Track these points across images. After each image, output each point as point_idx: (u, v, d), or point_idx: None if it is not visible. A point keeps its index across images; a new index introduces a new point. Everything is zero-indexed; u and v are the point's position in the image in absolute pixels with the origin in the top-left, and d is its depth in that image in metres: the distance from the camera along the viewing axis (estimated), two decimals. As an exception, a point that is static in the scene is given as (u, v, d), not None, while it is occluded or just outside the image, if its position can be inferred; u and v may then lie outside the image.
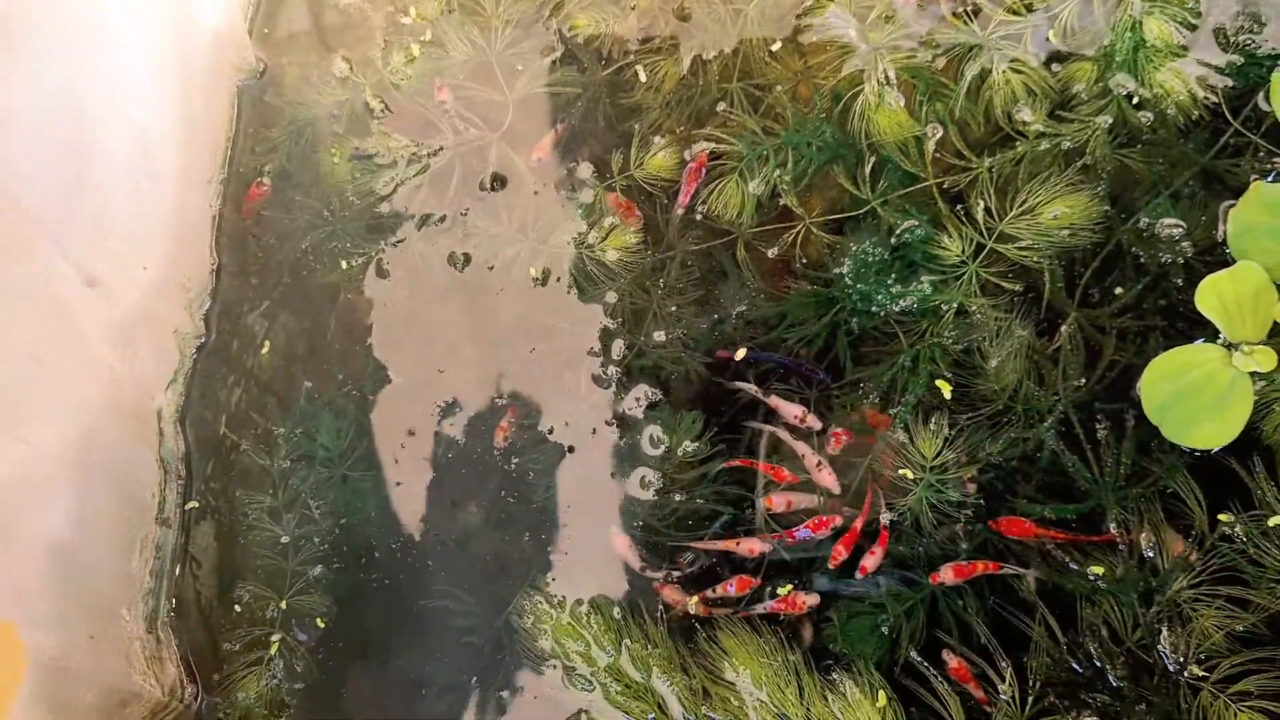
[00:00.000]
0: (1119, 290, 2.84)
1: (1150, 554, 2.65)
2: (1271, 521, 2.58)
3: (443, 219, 3.29)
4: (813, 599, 2.78)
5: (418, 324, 3.23)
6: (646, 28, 3.29)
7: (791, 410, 2.89)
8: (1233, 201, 2.72)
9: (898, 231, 2.96)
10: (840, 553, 2.78)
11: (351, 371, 3.23)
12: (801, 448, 2.88)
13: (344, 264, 3.30)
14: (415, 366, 3.20)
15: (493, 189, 3.26)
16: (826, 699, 2.69)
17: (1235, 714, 2.50)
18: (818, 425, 2.88)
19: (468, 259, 3.24)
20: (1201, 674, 2.54)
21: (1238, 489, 2.63)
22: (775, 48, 3.21)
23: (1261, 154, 2.81)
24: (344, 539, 3.09)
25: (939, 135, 3.00)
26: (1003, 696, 2.63)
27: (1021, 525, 2.72)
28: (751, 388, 2.95)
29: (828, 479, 2.83)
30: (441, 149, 3.33)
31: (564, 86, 3.32)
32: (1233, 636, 2.56)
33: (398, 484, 3.12)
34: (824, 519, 2.81)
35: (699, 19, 3.29)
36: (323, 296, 3.31)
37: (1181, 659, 2.57)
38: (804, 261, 3.04)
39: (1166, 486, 2.69)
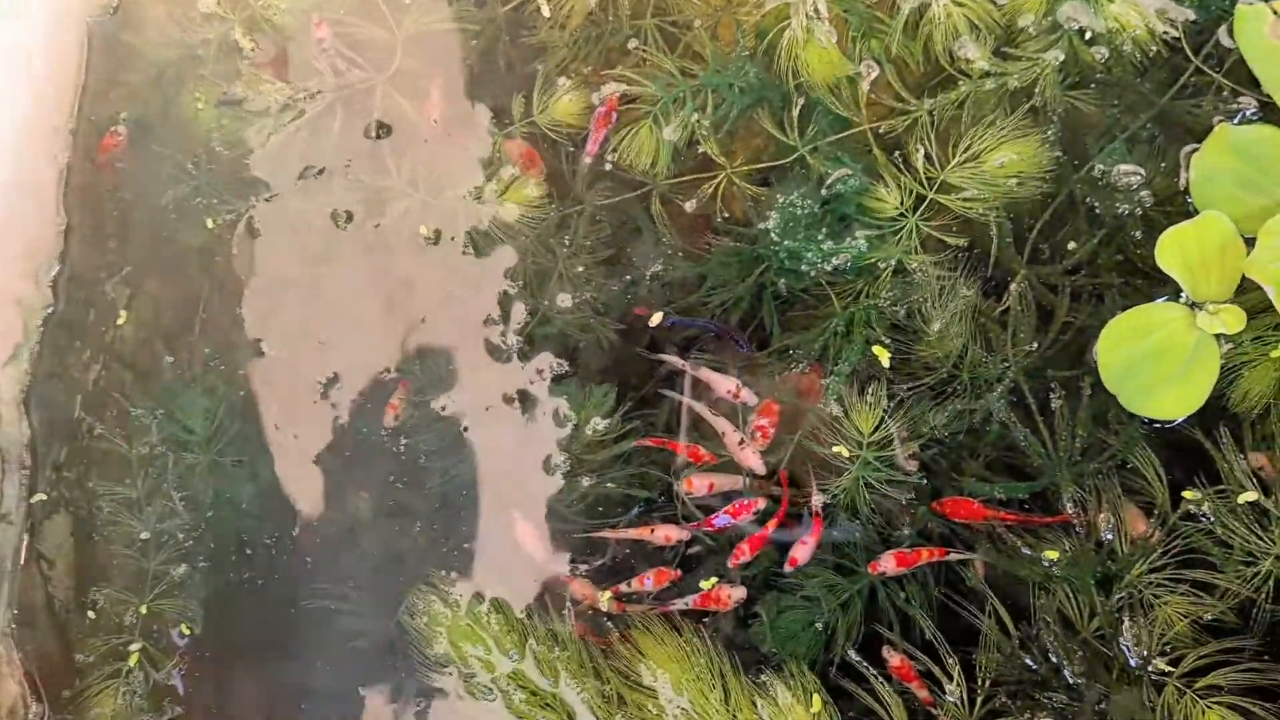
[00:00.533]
0: (1072, 245, 2.58)
1: (1109, 536, 2.40)
2: (1241, 498, 2.35)
3: (322, 172, 2.93)
4: (739, 593, 2.50)
5: (295, 290, 2.90)
6: (550, -44, 2.95)
7: (723, 384, 2.60)
8: (1195, 146, 2.48)
9: (829, 182, 2.67)
10: (742, 552, 2.51)
11: (221, 344, 2.89)
12: (723, 425, 2.59)
13: (210, 223, 2.94)
14: (293, 338, 2.87)
15: (378, 137, 2.91)
16: (755, 704, 2.41)
17: (1203, 711, 2.26)
18: (752, 400, 2.59)
19: (350, 216, 2.89)
20: (1166, 668, 2.30)
21: (1202, 463, 2.41)
22: (694, -19, 2.89)
23: (1225, 94, 2.55)
24: (212, 533, 2.78)
25: (874, 75, 2.70)
26: (949, 697, 2.37)
27: (969, 506, 2.46)
28: (676, 360, 2.65)
29: (752, 459, 2.54)
30: (320, 93, 2.96)
31: (458, 23, 2.96)
32: (1199, 625, 2.34)
33: (274, 470, 2.79)
34: (746, 503, 2.53)
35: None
36: (188, 260, 2.95)
37: (1145, 652, 2.33)
38: (726, 216, 2.74)
39: (1125, 461, 2.45)
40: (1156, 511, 2.40)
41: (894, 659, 2.41)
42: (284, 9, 3.03)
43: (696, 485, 2.55)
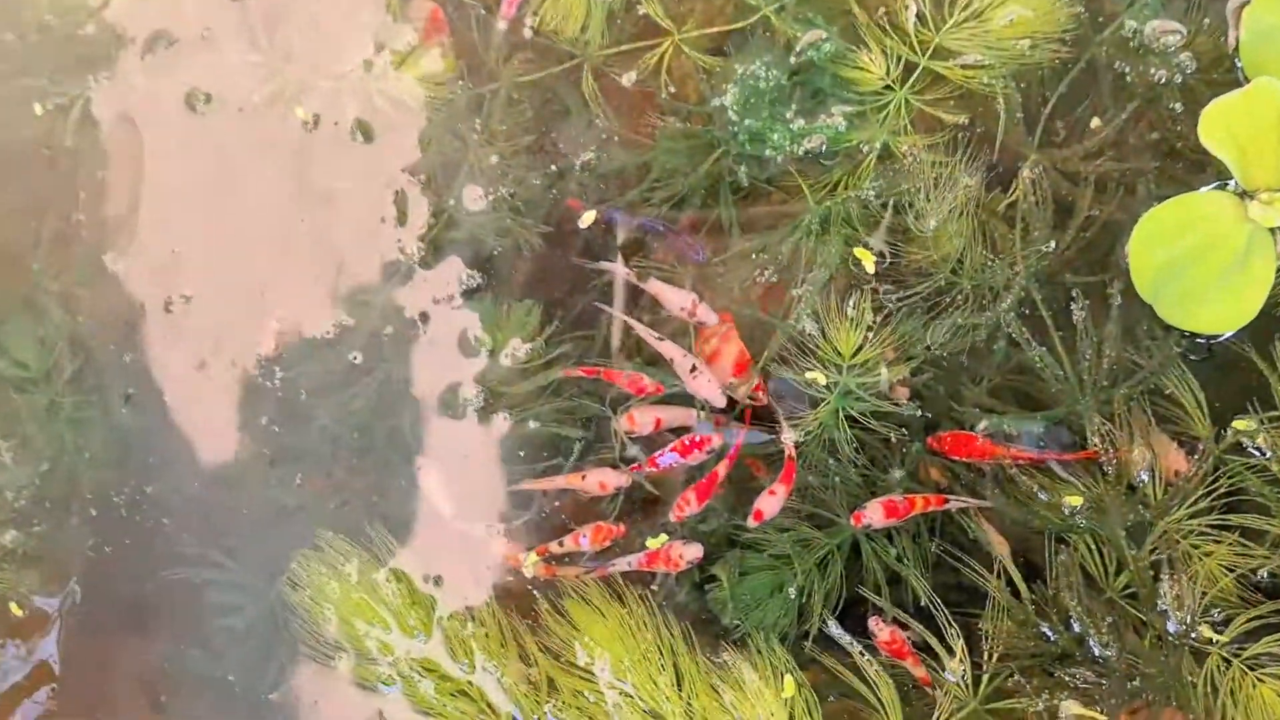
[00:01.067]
0: (1095, 123, 2.15)
1: (1144, 476, 1.98)
2: (1304, 430, 1.93)
3: (175, 43, 2.41)
4: (693, 551, 2.07)
5: (144, 190, 2.41)
6: None
7: (677, 299, 2.15)
8: (1246, -2, 2.09)
9: (799, 48, 2.20)
10: (687, 503, 2.08)
11: (55, 260, 2.41)
12: (671, 349, 2.13)
13: (39, 109, 2.43)
14: (144, 249, 2.39)
15: (244, -1, 2.40)
16: (715, 689, 1.98)
17: (1254, 685, 1.87)
18: (711, 319, 2.14)
19: (209, 98, 2.39)
20: (1210, 635, 1.90)
21: (1253, 386, 2.02)
22: None
23: (1284, -69, 2.08)
24: (49, 491, 2.36)
25: (853, -87, 2.22)
26: (950, 676, 1.95)
27: (972, 443, 2.05)
28: (619, 268, 2.19)
29: (707, 389, 2.09)
30: (169, -56, 2.44)
31: None
32: (1246, 582, 1.97)
33: (125, 413, 2.34)
34: (698, 438, 2.10)
35: None
36: (12, 155, 2.46)
37: (1184, 615, 1.92)
38: (673, 92, 2.26)
39: (1160, 386, 2.04)
40: (1201, 446, 2.00)
41: (883, 632, 2.00)
42: None
43: (640, 421, 2.11)
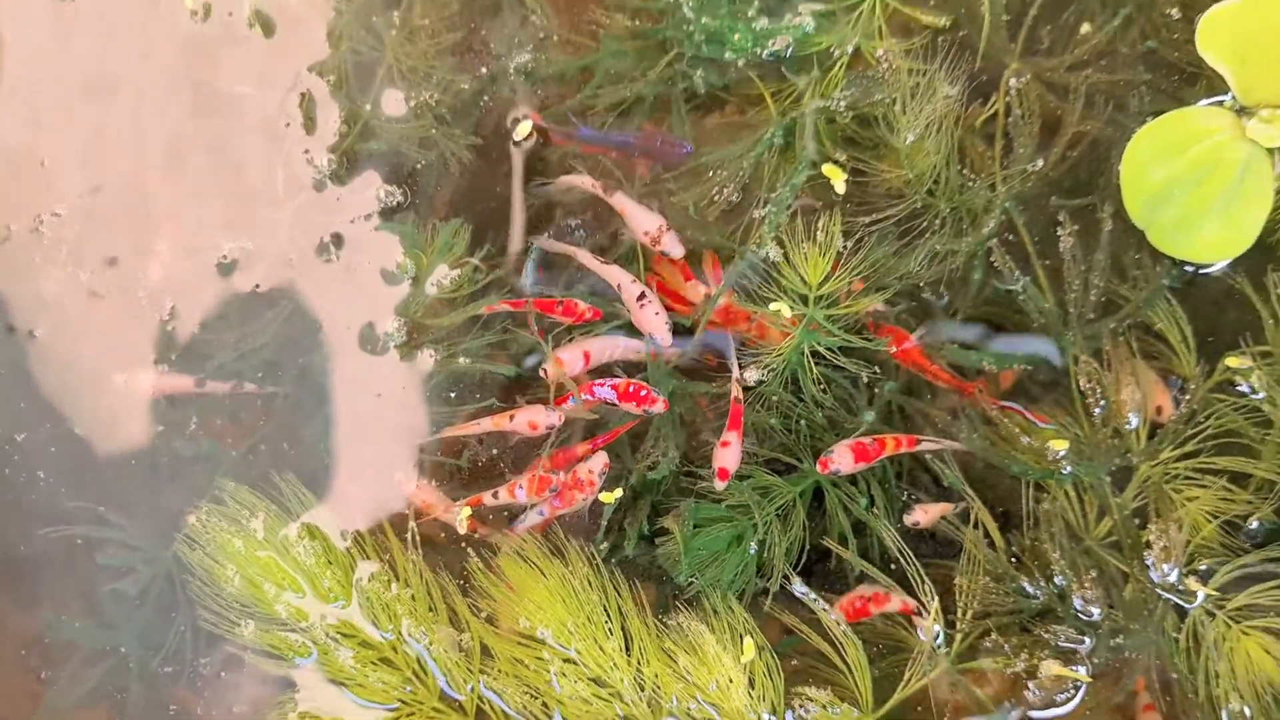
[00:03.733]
0: (1085, 29, 1.95)
1: (1132, 420, 1.82)
2: (1302, 367, 1.79)
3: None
4: (598, 461, 1.87)
5: (10, 92, 2.06)
6: None
7: (645, 221, 1.92)
8: (1250, -114, 1.87)
9: (761, -64, 1.94)
10: (578, 487, 1.87)
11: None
12: (617, 275, 1.90)
13: None
14: (7, 163, 2.04)
15: None
16: (668, 653, 1.79)
17: (1238, 637, 1.75)
18: (677, 250, 1.91)
19: (79, -21, 2.04)
20: (1194, 588, 1.78)
21: (1242, 321, 1.87)
22: None
23: None
24: None
25: None
26: (923, 634, 1.79)
27: (904, 340, 1.89)
28: (585, 180, 1.96)
29: (654, 321, 1.86)
30: None
31: None
32: (1231, 529, 1.83)
33: (-6, 350, 2.02)
34: (642, 391, 1.88)
35: None
36: None
37: (1167, 565, 1.78)
38: (617, -18, 2.00)
39: (1146, 320, 1.88)
40: (1190, 385, 1.85)
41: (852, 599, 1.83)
42: None
43: (568, 361, 1.87)
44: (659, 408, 1.86)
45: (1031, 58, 1.93)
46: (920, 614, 1.81)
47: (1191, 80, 1.90)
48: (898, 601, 1.83)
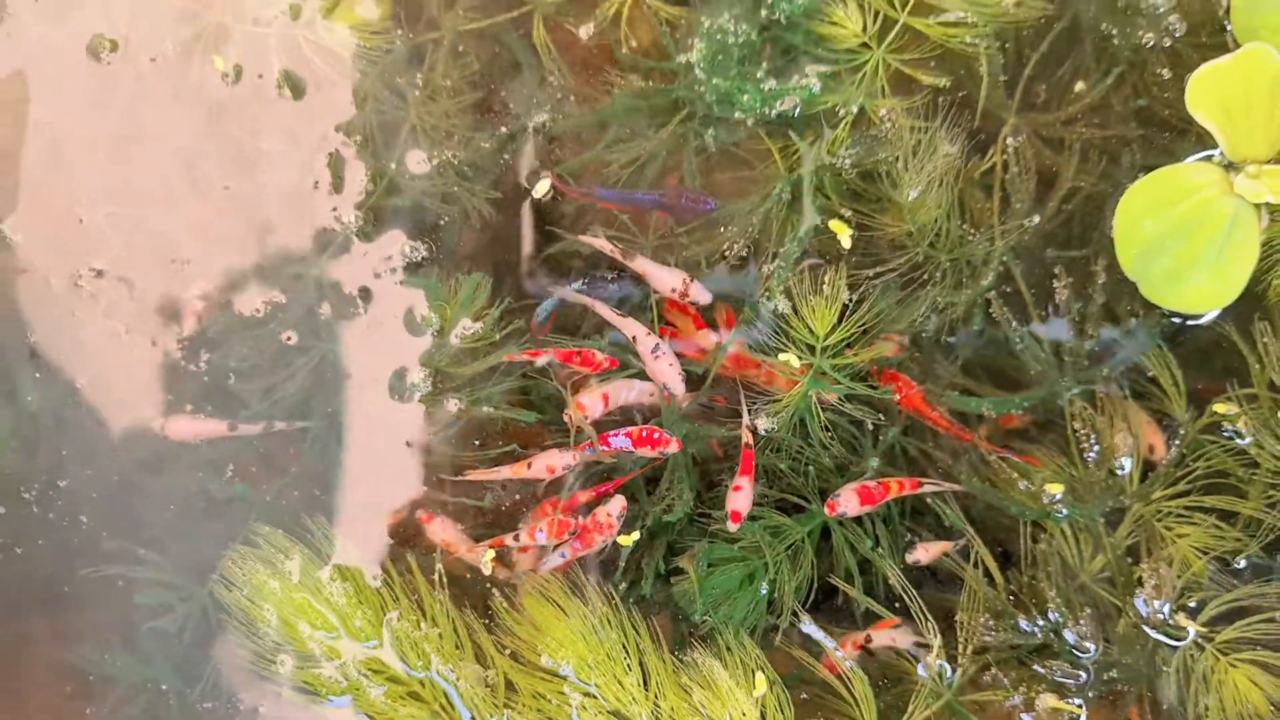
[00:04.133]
0: (1080, 87, 2.02)
1: (1125, 464, 1.91)
2: (1285, 414, 1.88)
3: (74, -19, 2.12)
4: (616, 505, 1.96)
5: (46, 151, 2.12)
6: None
7: (669, 279, 1.98)
8: (1238, -46, 1.93)
9: (770, 2, 2.00)
10: (597, 529, 1.95)
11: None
12: (633, 327, 1.98)
13: None
14: (46, 214, 2.11)
15: (150, -70, 2.11)
16: (684, 688, 1.88)
17: (1226, 669, 1.84)
18: (705, 298, 1.99)
19: (115, 45, 2.10)
20: (1185, 625, 1.87)
21: (1225, 366, 1.95)
22: None
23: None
24: None
25: None
26: (924, 671, 1.88)
27: (910, 389, 1.96)
28: (603, 244, 2.02)
29: (668, 373, 1.95)
30: None
31: None
32: (1221, 565, 1.92)
33: (31, 397, 2.09)
34: (655, 435, 1.95)
35: None
36: None
37: (1159, 600, 1.87)
38: (633, 46, 2.05)
39: (1139, 366, 1.97)
40: (1180, 427, 1.94)
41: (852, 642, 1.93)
42: None
43: (589, 406, 1.95)
44: (673, 448, 1.94)
45: (1028, 113, 2.01)
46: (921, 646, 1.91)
47: (1182, 135, 1.97)
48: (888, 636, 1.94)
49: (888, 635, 1.93)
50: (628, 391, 2.00)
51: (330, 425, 2.05)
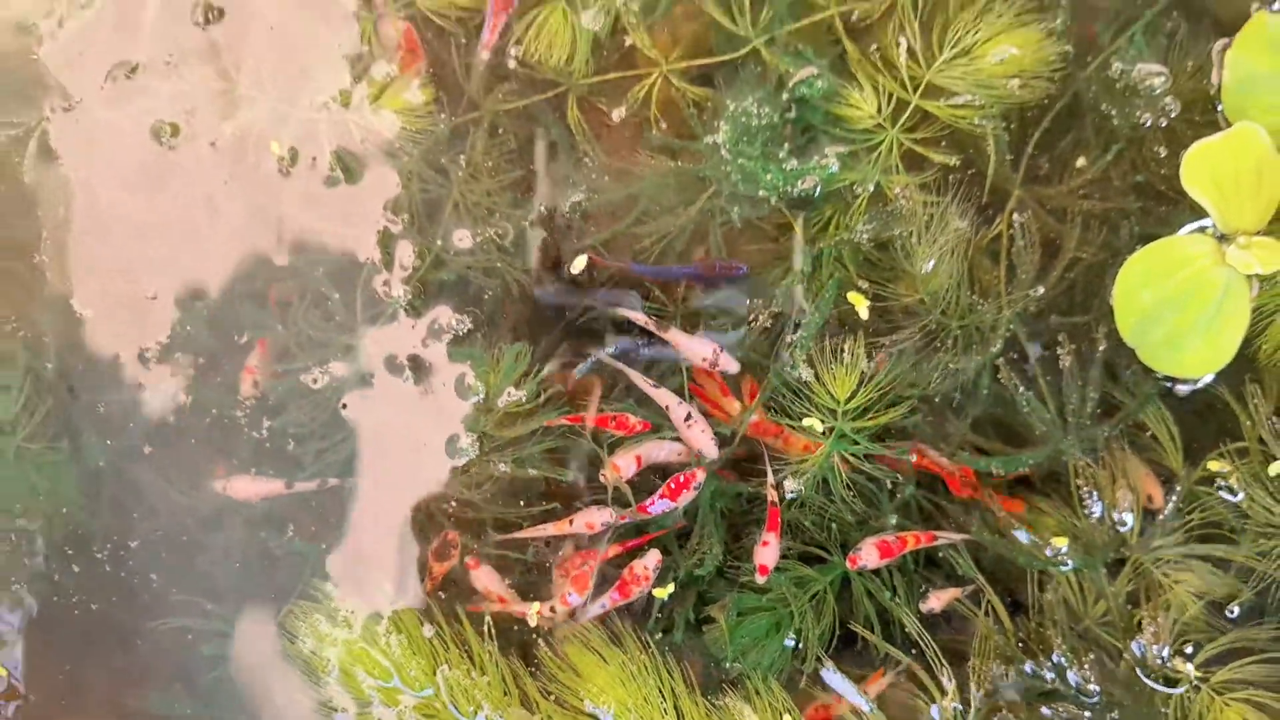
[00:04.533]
0: (1081, 162, 2.13)
1: (1127, 517, 2.04)
2: (1273, 469, 1.99)
3: (135, 70, 2.24)
4: (653, 559, 2.11)
5: (112, 228, 2.25)
6: None
7: (699, 349, 2.12)
8: (1228, 41, 2.04)
9: (791, 84, 2.12)
10: (634, 582, 2.10)
11: (17, 301, 2.25)
12: (666, 398, 2.12)
13: None
14: (113, 290, 2.24)
15: (208, 21, 2.23)
16: (716, 730, 2.02)
17: (1220, 709, 1.97)
18: (734, 367, 2.12)
19: (176, 130, 2.23)
20: (1181, 669, 2.00)
21: (1219, 425, 2.07)
22: None
23: (1269, -28, 2.09)
24: (24, 545, 2.23)
25: (840, -58, 2.15)
26: (937, 715, 2.02)
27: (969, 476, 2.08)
28: (640, 316, 2.15)
29: (702, 440, 2.09)
30: (126, -41, 2.26)
31: None
32: (1216, 610, 2.05)
33: (103, 460, 2.23)
34: (685, 476, 2.10)
35: None
36: None
37: (1157, 644, 2.00)
38: (663, 128, 2.18)
39: (1138, 424, 2.09)
40: (1177, 481, 2.07)
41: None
42: None
43: (623, 467, 2.09)
44: (701, 476, 2.09)
45: (1033, 185, 2.13)
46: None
47: (1178, 205, 2.06)
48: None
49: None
50: (659, 451, 2.13)
51: (379, 484, 2.18)
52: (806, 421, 2.06)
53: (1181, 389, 2.08)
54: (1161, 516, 2.07)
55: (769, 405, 2.12)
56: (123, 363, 2.22)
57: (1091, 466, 2.07)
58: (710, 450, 2.09)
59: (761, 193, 2.12)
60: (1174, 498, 2.07)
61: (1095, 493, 2.06)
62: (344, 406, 2.17)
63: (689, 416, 2.09)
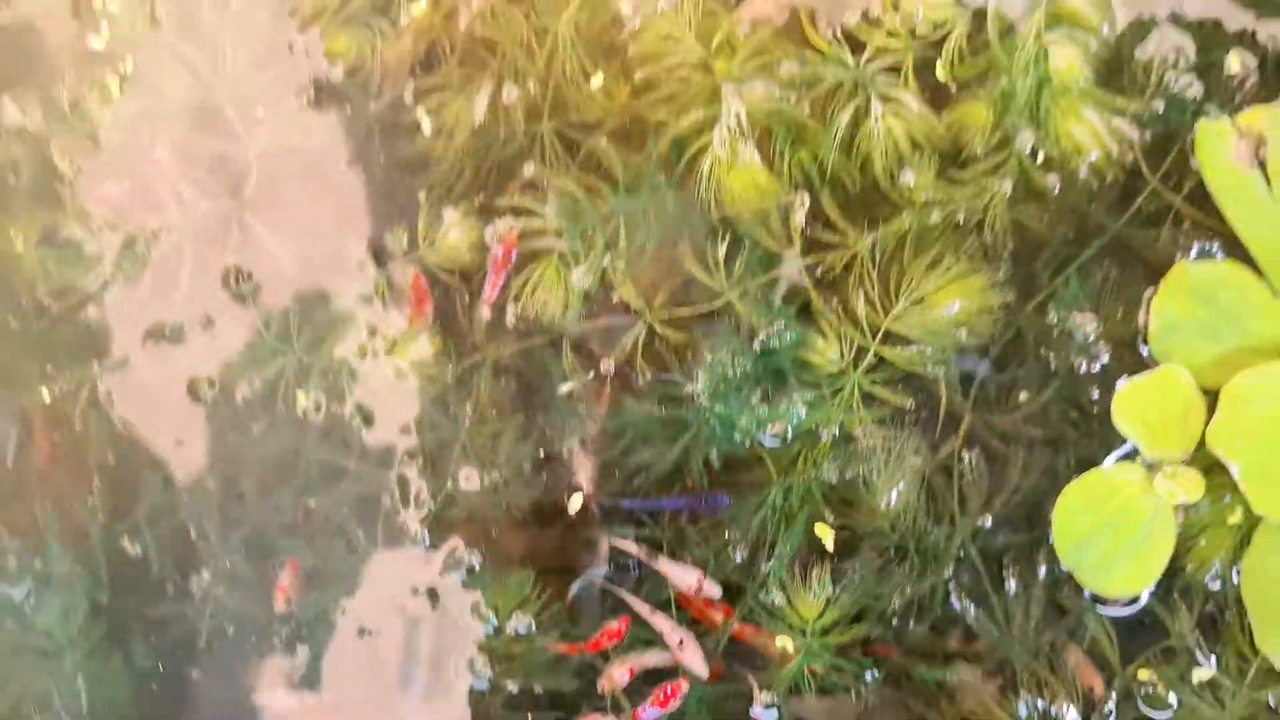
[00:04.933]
0: (1024, 396, 2.35)
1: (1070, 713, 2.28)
2: (1196, 677, 2.23)
3: (178, 330, 2.50)
4: (713, 591, 2.35)
5: (154, 470, 2.50)
6: (427, 53, 2.50)
7: (685, 577, 2.36)
8: (1155, 289, 2.27)
9: (761, 337, 2.36)
10: None
11: (73, 530, 2.49)
12: (661, 622, 2.36)
13: (47, 392, 2.49)
14: (156, 526, 2.49)
15: (238, 284, 2.48)
16: None
17: None
18: (716, 593, 2.35)
19: (213, 384, 2.48)
20: None
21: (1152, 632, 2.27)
22: (596, 82, 2.47)
23: (1186, 225, 2.32)
24: None
25: (806, 205, 2.39)
26: None
27: None
28: (633, 547, 2.40)
29: (692, 659, 2.34)
30: (163, 228, 2.50)
31: (322, 135, 2.52)
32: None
33: (149, 673, 2.46)
34: (669, 688, 2.34)
35: (493, 38, 2.51)
36: (16, 430, 2.53)
37: None
38: (647, 375, 2.42)
39: (1078, 632, 2.30)
40: (1114, 679, 2.27)
41: None
42: (108, 120, 2.52)
43: (617, 677, 2.35)
44: (686, 686, 2.33)
45: (982, 412, 2.35)
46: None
47: (1112, 434, 2.25)
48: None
49: None
50: (651, 659, 2.38)
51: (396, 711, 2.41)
52: (779, 642, 2.31)
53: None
54: (1103, 698, 2.30)
55: (745, 618, 2.37)
56: (169, 589, 2.47)
57: (1038, 674, 2.30)
58: (701, 671, 2.33)
59: (737, 437, 2.35)
60: (1114, 694, 2.31)
61: (1045, 696, 2.29)
62: (364, 634, 2.41)
63: (682, 642, 2.34)
